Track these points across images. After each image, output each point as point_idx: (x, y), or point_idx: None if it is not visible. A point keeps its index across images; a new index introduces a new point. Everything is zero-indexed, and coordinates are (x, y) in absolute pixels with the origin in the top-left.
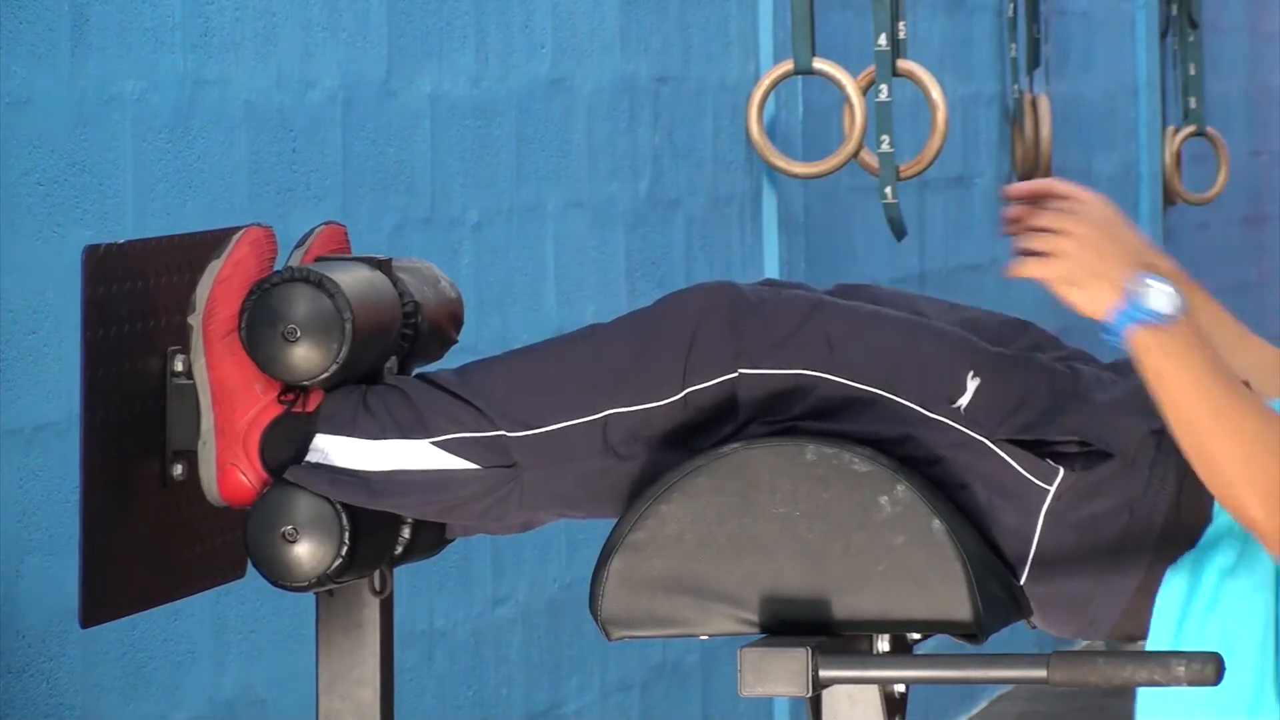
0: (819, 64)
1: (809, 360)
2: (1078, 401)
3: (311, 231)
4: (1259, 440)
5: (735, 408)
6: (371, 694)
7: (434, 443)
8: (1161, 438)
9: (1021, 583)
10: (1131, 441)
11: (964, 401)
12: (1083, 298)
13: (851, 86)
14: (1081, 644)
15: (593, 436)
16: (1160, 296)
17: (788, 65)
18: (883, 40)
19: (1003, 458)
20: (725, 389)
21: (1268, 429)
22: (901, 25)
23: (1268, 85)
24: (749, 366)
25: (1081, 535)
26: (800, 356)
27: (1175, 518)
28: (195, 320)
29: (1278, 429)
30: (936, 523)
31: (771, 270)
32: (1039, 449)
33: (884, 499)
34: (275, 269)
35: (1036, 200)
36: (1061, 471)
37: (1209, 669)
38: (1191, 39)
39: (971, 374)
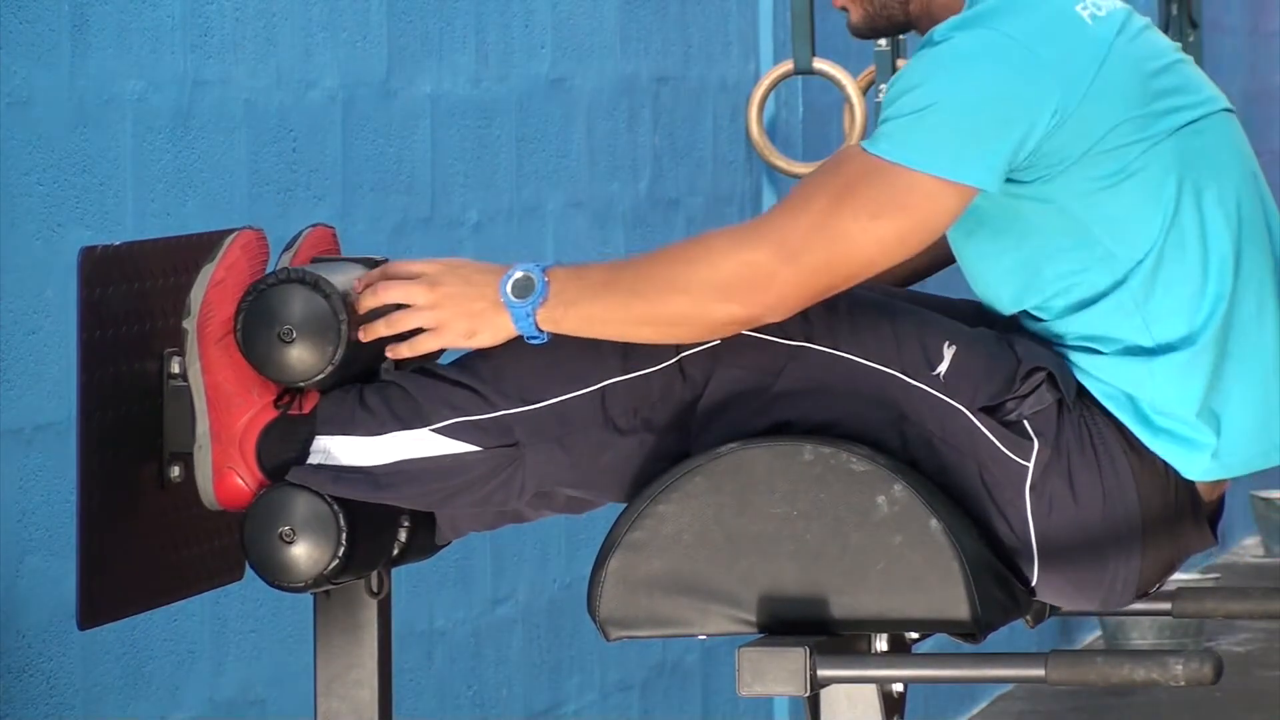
0: (819, 64)
1: (790, 330)
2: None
3: (300, 234)
4: (673, 278)
5: (716, 370)
6: (370, 695)
7: (434, 429)
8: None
9: (1035, 571)
10: (1070, 378)
11: (943, 369)
12: (485, 336)
13: (851, 86)
14: (1081, 644)
15: (592, 408)
16: (525, 279)
17: (788, 65)
18: (883, 40)
19: (983, 433)
20: (713, 353)
21: (667, 264)
22: None
23: (1268, 85)
24: None
25: (1068, 499)
26: (781, 326)
27: (1128, 443)
28: (190, 324)
29: (668, 257)
30: (934, 522)
31: None
32: (1012, 415)
33: (881, 498)
34: (268, 271)
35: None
36: (1036, 444)
37: (1206, 667)
38: (1191, 39)
39: (948, 343)
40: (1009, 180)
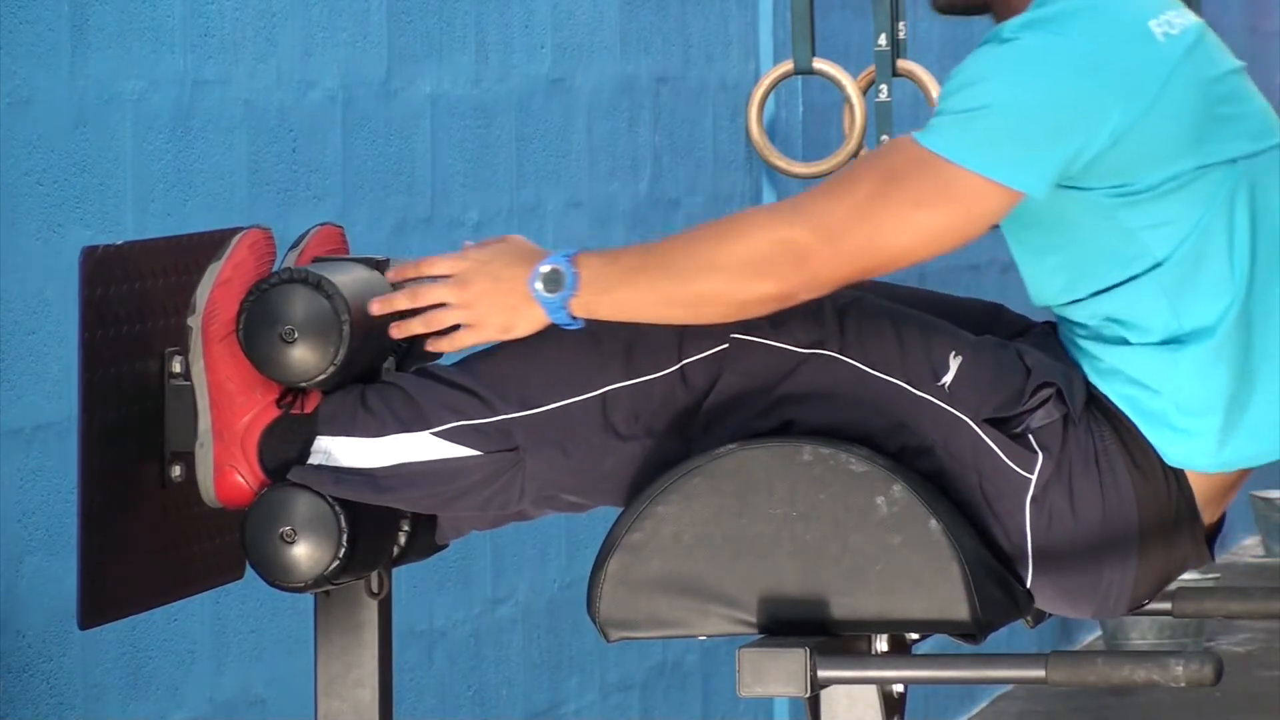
0: (819, 64)
1: (799, 336)
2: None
3: (307, 232)
4: (708, 256)
5: (722, 375)
6: (370, 695)
7: (435, 433)
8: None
9: (1029, 578)
10: (1078, 393)
11: (948, 379)
12: (521, 328)
13: (851, 86)
14: (1081, 643)
15: (593, 414)
16: (554, 273)
17: (788, 65)
18: (883, 40)
19: (987, 444)
20: (718, 360)
21: (700, 242)
22: (901, 25)
23: (1268, 85)
24: (740, 332)
25: (1068, 512)
26: (789, 332)
27: (1131, 458)
28: (195, 322)
29: (701, 235)
30: (933, 523)
31: None
32: (1018, 428)
33: (881, 499)
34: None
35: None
36: (1040, 458)
37: (1207, 669)
38: None
39: (954, 353)
40: (1060, 185)
